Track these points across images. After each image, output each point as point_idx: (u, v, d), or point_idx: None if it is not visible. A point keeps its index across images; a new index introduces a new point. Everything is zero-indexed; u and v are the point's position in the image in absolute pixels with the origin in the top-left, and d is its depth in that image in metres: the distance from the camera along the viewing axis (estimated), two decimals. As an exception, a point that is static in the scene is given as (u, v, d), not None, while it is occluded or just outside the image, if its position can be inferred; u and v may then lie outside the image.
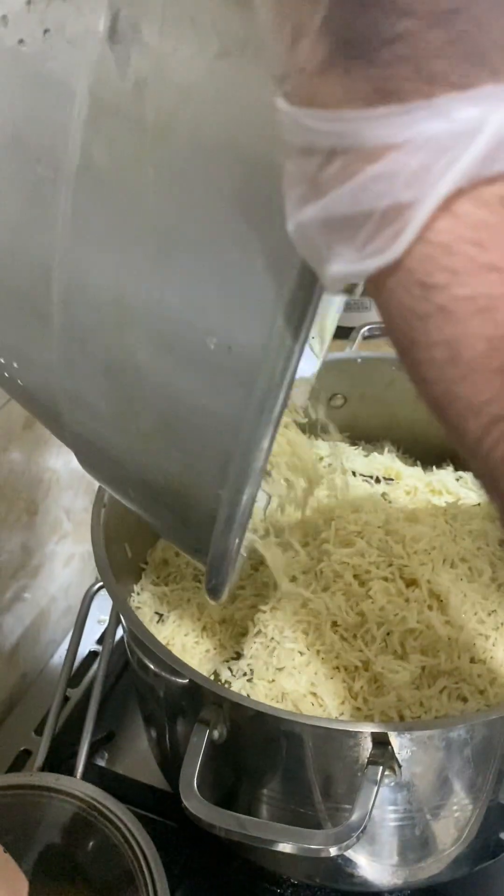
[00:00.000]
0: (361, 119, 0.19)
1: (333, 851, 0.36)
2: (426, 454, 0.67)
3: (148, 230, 0.27)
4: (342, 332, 0.65)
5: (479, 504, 0.61)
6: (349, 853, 0.48)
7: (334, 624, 0.51)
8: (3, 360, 0.35)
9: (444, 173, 0.19)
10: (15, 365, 0.34)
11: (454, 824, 0.47)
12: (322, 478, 0.55)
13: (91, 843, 0.48)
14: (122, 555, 0.58)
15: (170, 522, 0.37)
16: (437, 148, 0.19)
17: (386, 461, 0.65)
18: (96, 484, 0.57)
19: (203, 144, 0.25)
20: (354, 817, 0.38)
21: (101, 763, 0.62)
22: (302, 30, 0.19)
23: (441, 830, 0.48)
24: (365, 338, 0.72)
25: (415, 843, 0.48)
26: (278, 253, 0.23)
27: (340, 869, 0.49)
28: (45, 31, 0.27)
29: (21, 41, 0.28)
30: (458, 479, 0.63)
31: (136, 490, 0.36)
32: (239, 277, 0.25)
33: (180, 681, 0.45)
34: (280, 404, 0.26)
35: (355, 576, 0.52)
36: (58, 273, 0.29)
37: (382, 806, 0.44)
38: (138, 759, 0.62)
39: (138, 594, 0.59)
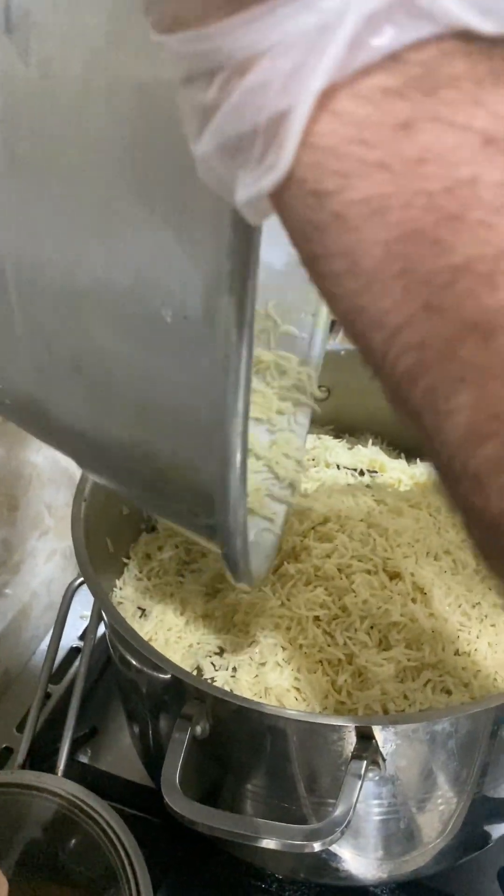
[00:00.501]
0: (224, 31, 0.18)
1: (317, 847, 0.36)
2: (410, 446, 0.67)
3: (84, 208, 0.26)
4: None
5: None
6: (334, 848, 0.47)
7: (316, 618, 0.50)
8: None
9: (316, 68, 0.17)
10: None
11: (439, 817, 0.47)
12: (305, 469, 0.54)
13: (73, 841, 0.48)
14: (104, 549, 0.57)
15: (182, 515, 0.35)
16: (306, 45, 0.17)
17: (370, 453, 0.65)
18: (78, 478, 0.56)
19: (119, 108, 0.24)
20: (338, 812, 0.37)
21: (84, 760, 0.62)
22: None
23: (426, 823, 0.47)
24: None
25: (400, 836, 0.47)
26: (210, 203, 0.22)
27: (325, 864, 0.48)
28: None
29: None
30: (442, 472, 0.63)
31: (141, 487, 0.35)
32: (178, 239, 0.24)
33: (163, 676, 0.44)
34: (244, 360, 0.25)
35: (338, 570, 0.51)
36: (11, 274, 0.29)
37: (367, 800, 0.44)
38: (121, 755, 0.62)
39: (120, 589, 0.58)
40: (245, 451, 0.28)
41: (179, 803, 0.37)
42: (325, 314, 0.53)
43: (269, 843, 0.36)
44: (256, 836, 0.36)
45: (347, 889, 0.52)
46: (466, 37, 0.17)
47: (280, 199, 0.19)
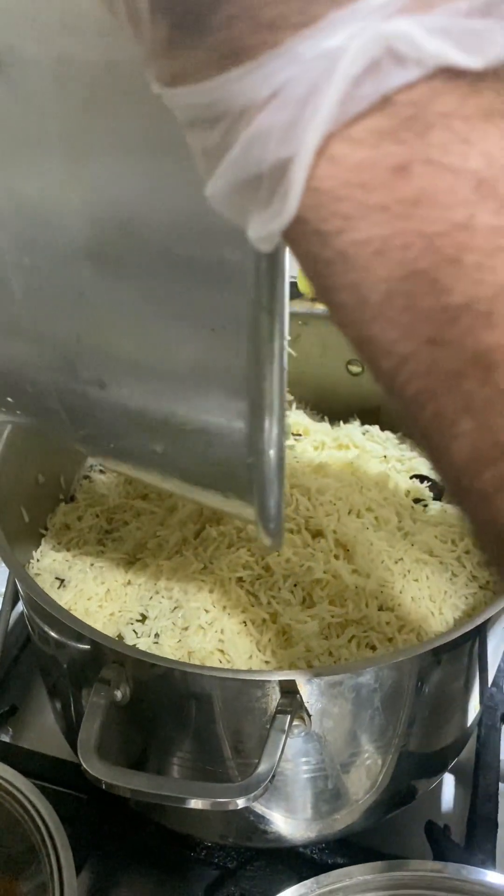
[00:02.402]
0: (220, 86, 0.19)
1: (241, 803, 0.35)
2: (333, 410, 0.67)
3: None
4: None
5: (384, 456, 0.60)
6: (262, 809, 0.47)
7: (240, 579, 0.49)
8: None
9: (311, 120, 0.18)
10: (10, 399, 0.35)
11: (367, 773, 0.47)
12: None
13: (-7, 819, 0.46)
14: (19, 519, 0.55)
15: (218, 496, 0.36)
16: (299, 95, 0.18)
17: (294, 417, 0.64)
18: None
19: (125, 142, 0.26)
20: (262, 767, 0.36)
21: (6, 739, 0.60)
22: (137, 14, 0.20)
23: (354, 780, 0.47)
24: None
25: (328, 794, 0.47)
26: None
27: (254, 826, 0.48)
28: None
29: None
30: (364, 433, 0.63)
31: (175, 479, 0.36)
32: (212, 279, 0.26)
33: (81, 646, 0.43)
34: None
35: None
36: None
37: (295, 759, 0.44)
38: (44, 733, 0.60)
39: (38, 560, 0.56)
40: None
41: (97, 767, 0.36)
42: None
43: (194, 804, 0.35)
44: (180, 796, 0.35)
45: (277, 851, 0.51)
46: (453, 73, 0.18)
47: (289, 236, 0.20)
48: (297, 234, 0.20)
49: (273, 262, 0.25)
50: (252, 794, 0.35)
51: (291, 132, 0.18)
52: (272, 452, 0.30)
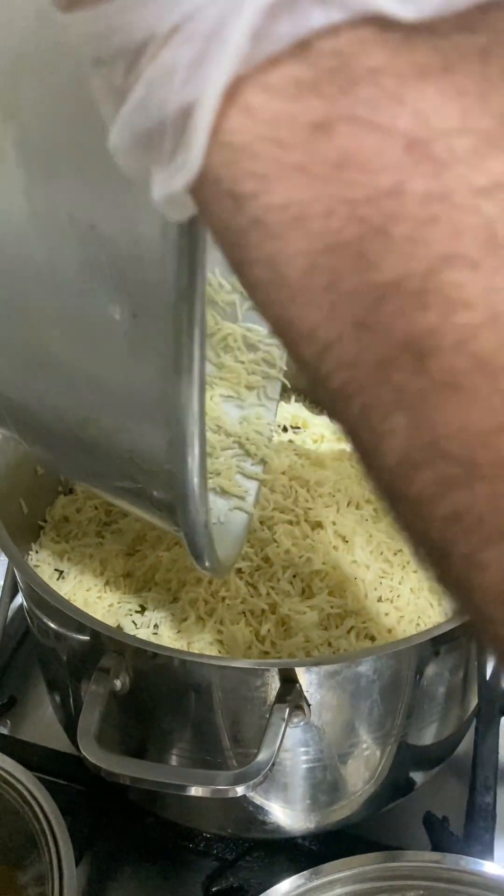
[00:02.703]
0: (118, 12, 0.17)
1: (241, 790, 0.35)
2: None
3: (31, 189, 0.25)
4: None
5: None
6: (260, 800, 0.47)
7: (239, 571, 0.49)
8: None
9: (218, 56, 0.16)
10: None
11: (365, 764, 0.47)
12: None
13: (-9, 809, 0.46)
14: (18, 511, 0.55)
15: (147, 510, 0.35)
16: (206, 28, 0.16)
17: (293, 410, 0.65)
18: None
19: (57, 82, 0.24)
20: (262, 756, 0.37)
21: (4, 731, 0.60)
22: None
23: (352, 771, 0.47)
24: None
25: (327, 785, 0.47)
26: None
27: (252, 817, 0.48)
28: None
29: None
30: (363, 426, 0.63)
31: (109, 485, 0.34)
32: (125, 234, 0.23)
33: (81, 637, 0.43)
34: (197, 359, 0.24)
35: (260, 522, 0.51)
36: None
37: (294, 749, 0.44)
38: (42, 725, 0.60)
39: (37, 552, 0.56)
40: (203, 453, 0.27)
41: (97, 755, 0.36)
42: None
43: (192, 791, 0.35)
44: (179, 783, 0.36)
45: (275, 842, 0.51)
46: (384, 24, 0.16)
47: (198, 198, 0.18)
48: (209, 197, 0.17)
49: (189, 237, 0.22)
50: (251, 782, 0.35)
51: (197, 71, 0.16)
52: (192, 462, 0.27)
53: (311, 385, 0.18)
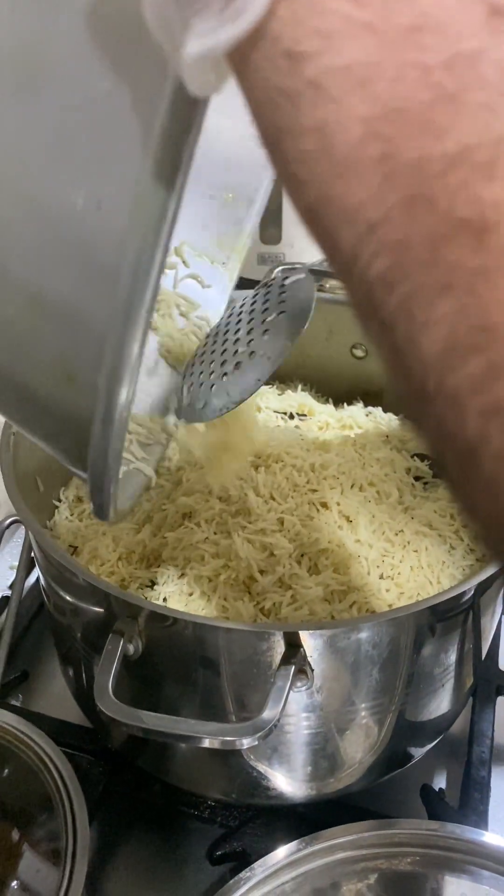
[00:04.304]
0: None
1: (247, 742, 0.37)
2: (337, 393, 0.69)
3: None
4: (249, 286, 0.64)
5: (387, 436, 0.63)
6: (264, 766, 0.49)
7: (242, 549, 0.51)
8: None
9: None
10: None
11: (365, 734, 0.49)
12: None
13: (7, 769, 0.48)
14: (34, 487, 0.57)
15: (50, 431, 0.32)
16: None
17: (299, 398, 0.67)
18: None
19: None
20: (267, 714, 0.39)
21: (16, 704, 0.62)
22: None
23: (353, 740, 0.49)
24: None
25: (327, 753, 0.49)
26: (148, 80, 0.20)
27: (256, 783, 0.50)
28: None
29: None
30: (367, 415, 0.65)
31: (9, 393, 0.31)
32: (106, 114, 0.21)
33: (96, 609, 0.45)
34: (157, 265, 0.22)
35: (271, 496, 0.53)
36: None
37: (297, 714, 0.46)
38: (54, 699, 0.62)
39: (51, 530, 0.58)
40: (135, 379, 0.25)
41: (113, 707, 0.38)
42: (235, 268, 0.53)
43: (202, 742, 0.37)
44: (190, 734, 0.38)
45: (277, 810, 0.53)
46: None
47: (243, 58, 0.17)
48: (261, 55, 0.16)
49: (188, 112, 0.20)
50: (258, 734, 0.37)
51: None
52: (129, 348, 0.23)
53: (343, 278, 0.17)
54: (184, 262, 0.52)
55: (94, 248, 0.23)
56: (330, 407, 0.67)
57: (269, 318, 0.44)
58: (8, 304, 0.26)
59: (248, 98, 0.17)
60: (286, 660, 0.41)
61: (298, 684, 0.43)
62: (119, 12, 0.21)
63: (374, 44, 0.15)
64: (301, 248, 0.96)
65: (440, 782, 0.58)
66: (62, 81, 0.22)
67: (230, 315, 0.49)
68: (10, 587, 0.69)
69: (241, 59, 0.17)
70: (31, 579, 0.68)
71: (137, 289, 0.23)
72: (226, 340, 0.46)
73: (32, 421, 0.32)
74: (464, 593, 0.44)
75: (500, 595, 0.51)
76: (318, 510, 0.53)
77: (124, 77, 0.21)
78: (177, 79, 0.18)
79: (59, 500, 0.61)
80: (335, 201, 0.16)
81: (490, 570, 0.45)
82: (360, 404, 0.66)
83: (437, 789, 0.55)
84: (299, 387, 0.68)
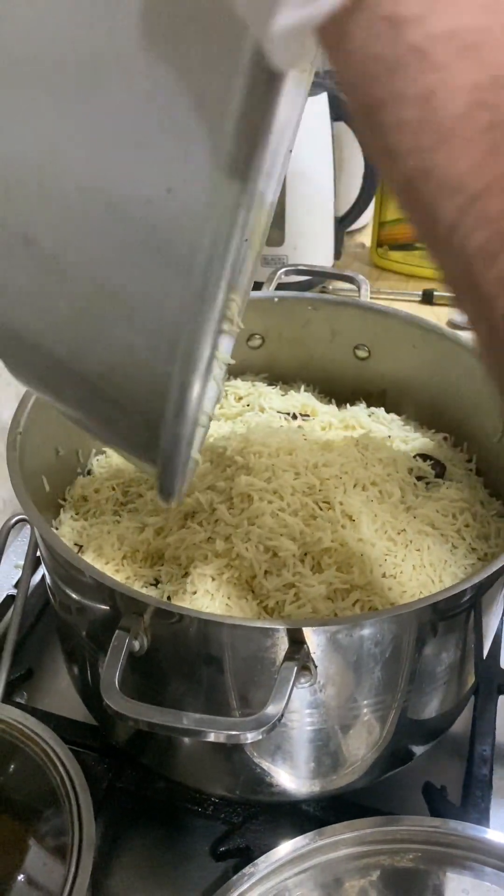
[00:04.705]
0: None
1: (251, 737, 0.37)
2: (340, 394, 0.69)
3: (62, 69, 0.23)
4: (255, 286, 0.65)
5: (388, 436, 0.63)
6: (267, 763, 0.49)
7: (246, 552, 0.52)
8: None
9: None
10: None
11: (367, 731, 0.50)
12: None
13: (13, 765, 0.48)
14: (40, 487, 0.58)
15: (114, 420, 0.32)
16: None
17: (302, 398, 0.67)
18: (6, 415, 0.56)
19: None
20: (271, 709, 0.39)
21: (21, 701, 0.62)
22: None
23: (355, 737, 0.50)
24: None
25: (330, 750, 0.50)
26: (215, 59, 0.18)
27: (260, 779, 0.50)
28: None
29: None
30: (370, 416, 0.66)
31: (73, 386, 0.31)
32: (173, 100, 0.20)
33: (102, 606, 0.45)
34: (234, 247, 0.21)
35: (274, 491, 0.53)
36: None
37: (300, 710, 0.46)
38: (58, 697, 0.63)
39: (57, 529, 0.59)
40: (209, 369, 0.25)
41: (119, 703, 0.38)
42: (258, 242, 0.52)
43: (207, 736, 0.38)
44: (196, 728, 0.38)
45: (280, 806, 0.54)
46: None
47: (338, 29, 0.16)
48: (360, 23, 0.15)
49: (268, 88, 0.18)
50: (262, 729, 0.37)
51: None
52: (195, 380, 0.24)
53: (437, 253, 0.16)
54: None
55: (167, 234, 0.22)
56: (333, 407, 0.67)
57: None
58: (78, 298, 0.26)
59: (341, 71, 0.17)
60: (290, 656, 0.41)
61: (302, 681, 0.43)
62: None
63: (479, 7, 0.15)
64: (303, 249, 0.97)
65: (442, 780, 0.58)
66: (124, 73, 0.21)
67: None
68: (16, 586, 0.69)
69: (337, 29, 0.16)
70: (37, 578, 0.68)
71: (211, 277, 0.22)
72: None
73: (99, 412, 0.32)
74: (465, 592, 0.44)
75: (502, 594, 0.52)
76: (321, 509, 0.54)
77: (187, 59, 0.20)
78: (255, 55, 0.17)
79: (65, 500, 0.61)
80: (436, 171, 0.16)
81: (491, 569, 0.45)
82: (363, 405, 0.67)
83: (439, 787, 0.55)
84: (302, 387, 0.69)
